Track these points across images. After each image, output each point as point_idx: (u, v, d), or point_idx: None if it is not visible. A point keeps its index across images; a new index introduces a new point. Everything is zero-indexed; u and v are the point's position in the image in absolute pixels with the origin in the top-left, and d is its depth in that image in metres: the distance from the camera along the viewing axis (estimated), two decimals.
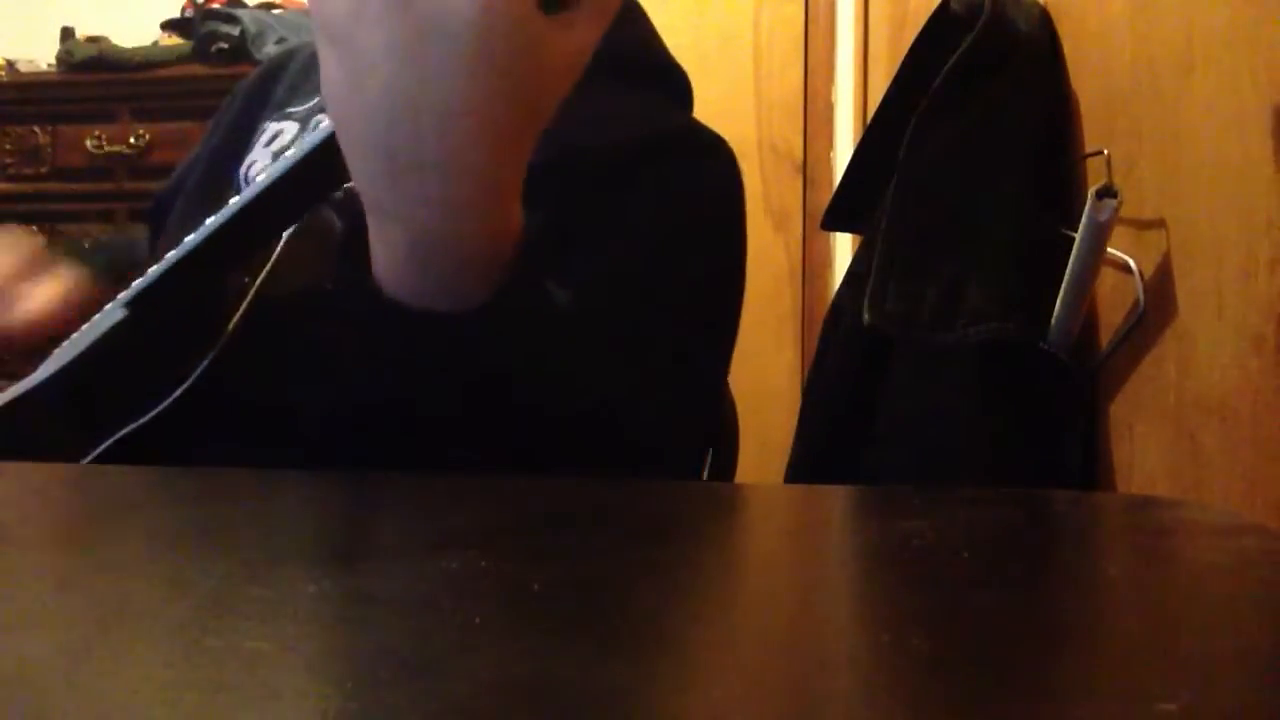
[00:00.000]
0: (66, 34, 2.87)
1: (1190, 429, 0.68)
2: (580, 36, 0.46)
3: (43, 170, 2.73)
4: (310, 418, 0.55)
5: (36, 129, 2.74)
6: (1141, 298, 0.75)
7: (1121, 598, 0.34)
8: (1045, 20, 0.94)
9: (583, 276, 0.61)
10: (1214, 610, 0.32)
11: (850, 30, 2.16)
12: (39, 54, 2.90)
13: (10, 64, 2.86)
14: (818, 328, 1.15)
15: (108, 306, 0.62)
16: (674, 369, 0.67)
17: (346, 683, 0.23)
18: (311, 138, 0.54)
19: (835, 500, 0.53)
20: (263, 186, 0.56)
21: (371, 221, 0.48)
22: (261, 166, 0.78)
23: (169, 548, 0.38)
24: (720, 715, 0.23)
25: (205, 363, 0.59)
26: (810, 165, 2.59)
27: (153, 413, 0.59)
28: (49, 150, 2.74)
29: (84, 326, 0.63)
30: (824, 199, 1.57)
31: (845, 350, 1.01)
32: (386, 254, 0.48)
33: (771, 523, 0.45)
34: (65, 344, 0.63)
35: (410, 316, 0.48)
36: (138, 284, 0.60)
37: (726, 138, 0.82)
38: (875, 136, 1.05)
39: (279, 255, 0.61)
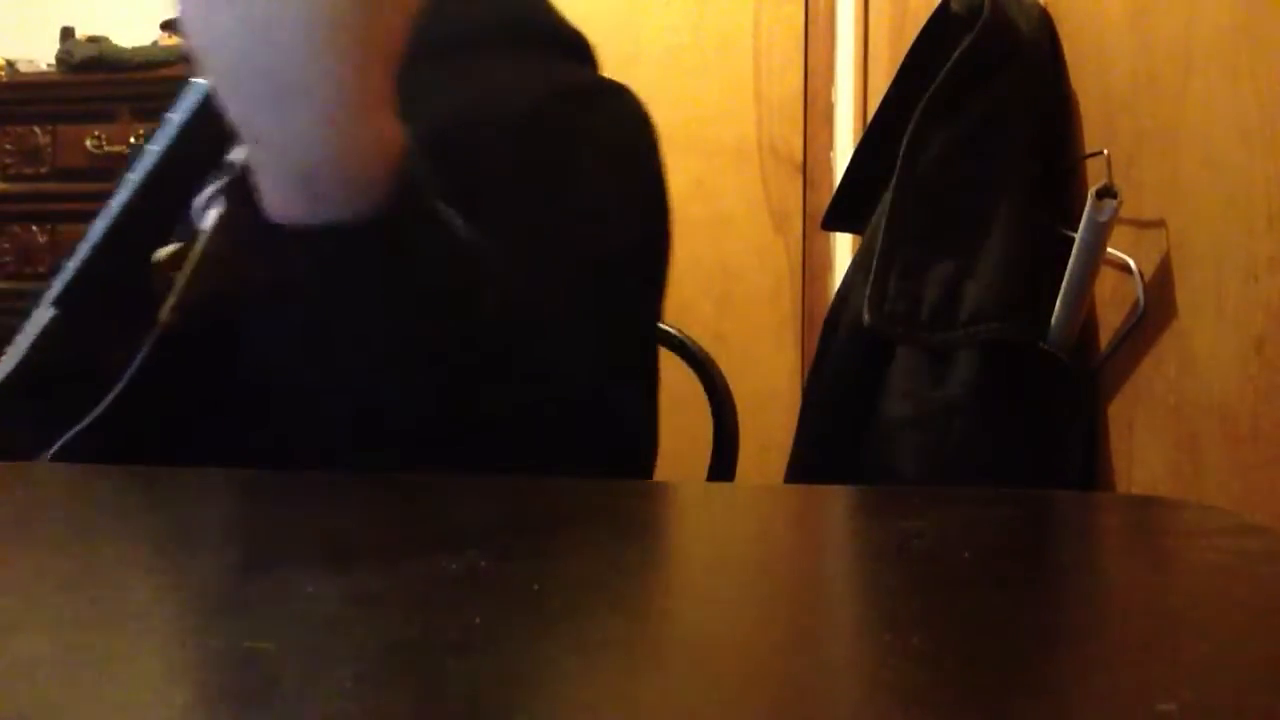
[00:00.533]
0: (66, 34, 2.87)
1: (1190, 429, 0.68)
2: None
3: (43, 170, 2.73)
4: (264, 400, 0.56)
5: (36, 129, 2.74)
6: (1141, 298, 0.75)
7: (1121, 598, 0.34)
8: (1045, 20, 0.94)
9: (497, 238, 0.62)
10: (1214, 610, 0.32)
11: (850, 30, 2.16)
12: (39, 54, 2.90)
13: (10, 64, 2.86)
14: (818, 328, 1.15)
15: (37, 310, 0.62)
16: (594, 314, 0.68)
17: (346, 683, 0.23)
18: (191, 96, 0.55)
19: (835, 500, 0.53)
20: (156, 157, 0.56)
21: (249, 150, 0.48)
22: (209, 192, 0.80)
23: (169, 548, 0.38)
24: (720, 715, 0.23)
25: (140, 358, 0.58)
26: (810, 165, 2.59)
27: (92, 416, 0.58)
28: (49, 150, 2.73)
29: (19, 334, 0.63)
30: (824, 199, 1.57)
31: (845, 350, 1.01)
32: (269, 183, 0.48)
33: (772, 523, 0.45)
34: (6, 354, 0.63)
35: (303, 237, 0.48)
36: (59, 280, 0.60)
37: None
38: (875, 136, 1.05)
39: (207, 242, 0.61)
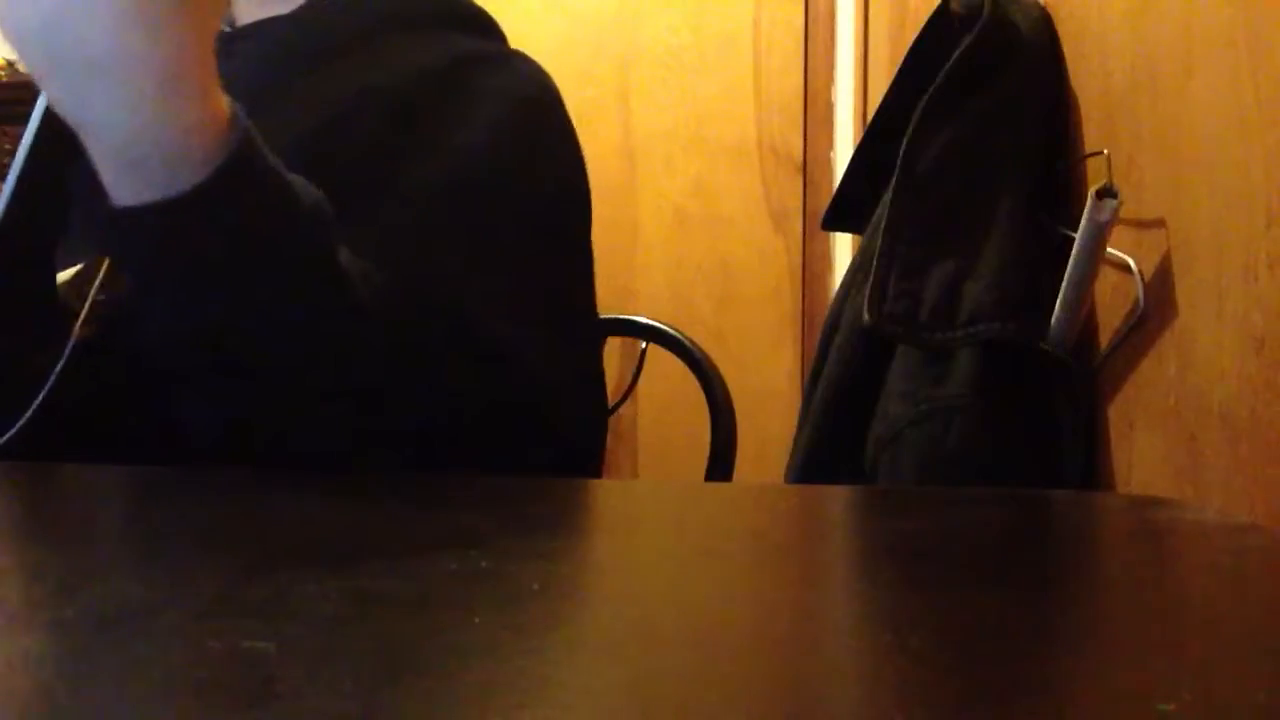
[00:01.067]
0: None
1: (1190, 429, 0.68)
2: None
3: None
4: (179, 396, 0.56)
5: None
6: (1141, 298, 0.75)
7: (1121, 598, 0.34)
8: (1045, 20, 0.94)
9: (397, 199, 0.63)
10: (1214, 610, 0.32)
11: (850, 30, 2.16)
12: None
13: (10, 64, 2.86)
14: (818, 328, 1.15)
15: None
16: (515, 275, 0.67)
17: (346, 683, 0.23)
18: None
19: (835, 500, 0.53)
20: (27, 145, 0.57)
21: (81, 137, 0.48)
22: None
23: (169, 548, 0.38)
24: (720, 714, 0.23)
25: (59, 367, 0.58)
26: (810, 165, 2.59)
27: (16, 425, 0.58)
28: None
29: None
30: (824, 199, 1.57)
31: (845, 350, 1.01)
32: (101, 166, 0.48)
33: (771, 522, 0.45)
34: None
35: (126, 214, 0.48)
36: None
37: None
38: (875, 136, 1.05)
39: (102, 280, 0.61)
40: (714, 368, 1.14)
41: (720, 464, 1.11)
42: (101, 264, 0.60)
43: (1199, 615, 0.31)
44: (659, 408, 2.38)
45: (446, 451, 0.58)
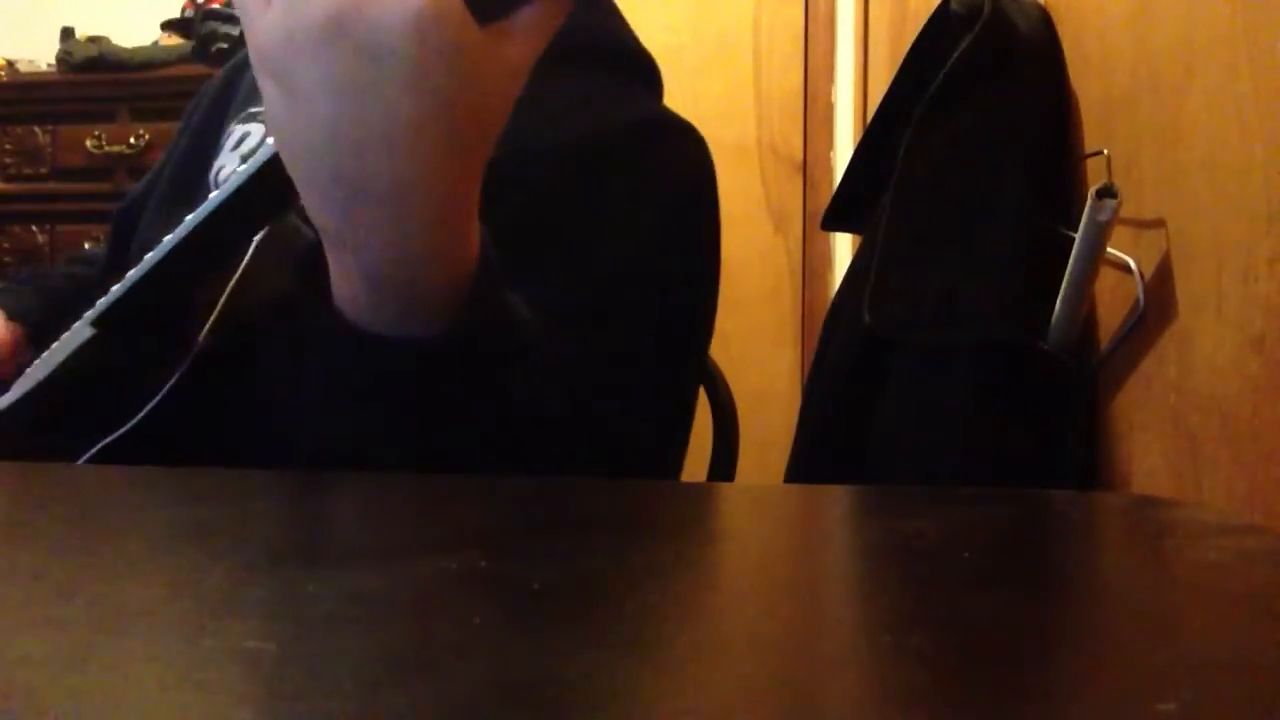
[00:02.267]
0: (66, 34, 2.87)
1: (1190, 429, 0.68)
2: (520, 47, 0.45)
3: (43, 170, 2.73)
4: (286, 431, 0.55)
5: (36, 129, 2.74)
6: (1141, 298, 0.75)
7: (1121, 597, 0.34)
8: (1045, 20, 0.94)
9: (552, 279, 0.60)
10: (1214, 610, 0.32)
11: (850, 30, 2.16)
12: (39, 54, 2.90)
13: (10, 64, 2.86)
14: (818, 328, 1.15)
15: (75, 325, 0.62)
16: (650, 372, 0.66)
17: (346, 683, 0.23)
18: (262, 152, 0.54)
19: (835, 500, 0.53)
20: (217, 202, 0.55)
21: (328, 249, 0.47)
22: (230, 170, 0.77)
23: (169, 548, 0.38)
24: (720, 715, 0.23)
25: (176, 377, 0.58)
26: (810, 165, 2.59)
27: (124, 428, 0.58)
28: (49, 150, 2.73)
29: (54, 345, 0.63)
30: (824, 199, 1.57)
31: (845, 350, 1.01)
32: (344, 281, 0.47)
33: (772, 523, 0.45)
34: (36, 363, 0.63)
35: (371, 343, 0.47)
36: (103, 302, 0.60)
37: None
38: (875, 136, 1.05)
39: (247, 265, 0.60)
40: (714, 367, 1.14)
41: (722, 464, 1.11)
42: (232, 280, 0.60)
43: (1199, 615, 0.31)
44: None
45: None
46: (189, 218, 0.56)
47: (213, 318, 0.59)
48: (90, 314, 0.61)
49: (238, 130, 0.82)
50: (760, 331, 2.58)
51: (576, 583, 0.32)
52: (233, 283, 0.59)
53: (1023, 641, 0.28)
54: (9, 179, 2.74)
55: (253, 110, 0.83)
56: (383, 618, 0.28)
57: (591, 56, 0.75)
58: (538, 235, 0.63)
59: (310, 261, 0.49)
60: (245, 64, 0.90)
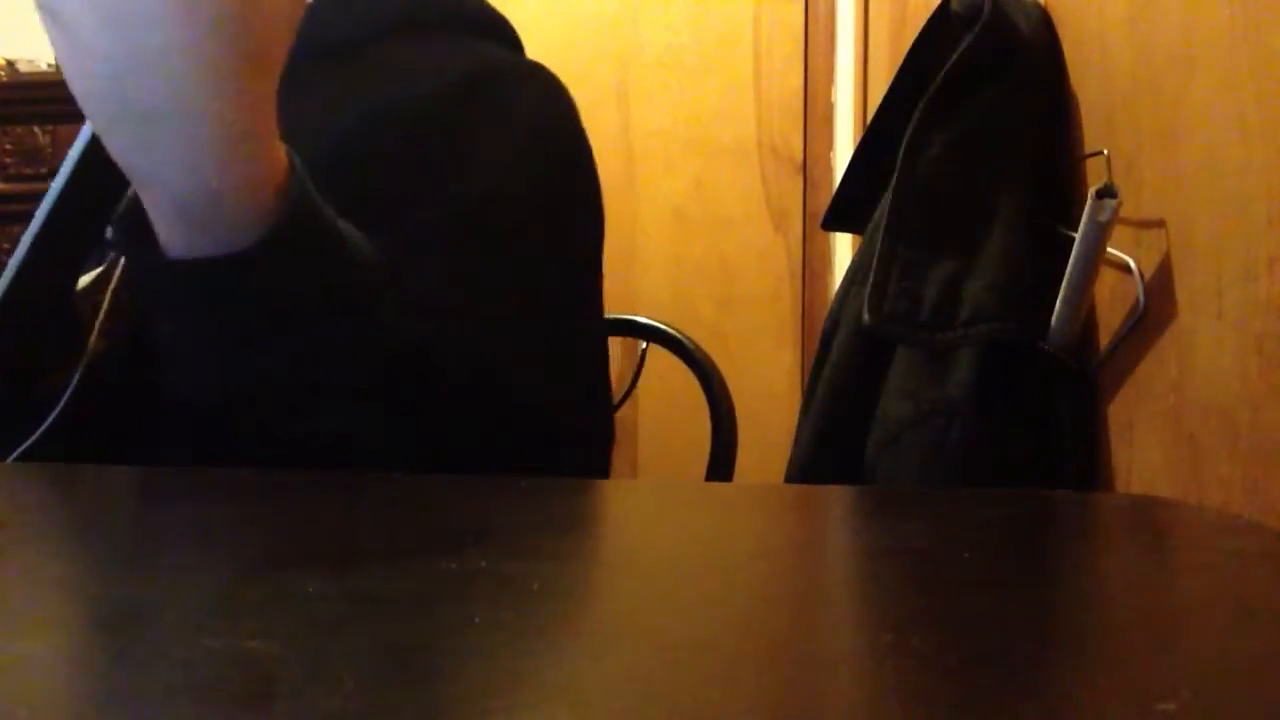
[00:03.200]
0: None
1: (1190, 429, 0.68)
2: None
3: (43, 170, 2.72)
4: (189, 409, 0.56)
5: (36, 129, 2.74)
6: (1141, 298, 0.75)
7: (1121, 598, 0.34)
8: (1045, 20, 0.94)
9: (425, 211, 0.62)
10: (1214, 610, 0.32)
11: (850, 30, 2.16)
12: (39, 54, 2.90)
13: (10, 64, 2.86)
14: (818, 328, 1.15)
15: None
16: (533, 306, 0.67)
17: (346, 683, 0.23)
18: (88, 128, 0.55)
19: (835, 500, 0.53)
20: (62, 182, 0.57)
21: (139, 191, 0.48)
22: None
23: (169, 548, 0.38)
24: (720, 714, 0.23)
25: (74, 381, 0.58)
26: (810, 165, 2.59)
27: (33, 439, 0.58)
28: (49, 150, 2.73)
29: None
30: (824, 199, 1.57)
31: (845, 350, 1.01)
32: (155, 217, 0.48)
33: (771, 523, 0.45)
34: None
35: (193, 267, 0.48)
36: None
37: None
38: (875, 136, 1.05)
39: (119, 278, 0.61)
40: (714, 367, 1.14)
41: (720, 464, 1.11)
42: (115, 270, 0.60)
43: (1199, 615, 0.31)
44: (659, 408, 2.38)
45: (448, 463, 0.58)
46: (42, 204, 0.58)
47: (99, 323, 0.59)
48: None
49: None
50: (760, 331, 2.58)
51: (577, 583, 0.32)
52: (113, 283, 0.60)
53: (1023, 641, 0.28)
54: (9, 179, 2.74)
55: None
56: (383, 618, 0.28)
57: (450, 21, 0.78)
58: (408, 173, 0.65)
59: (130, 213, 0.50)
60: None
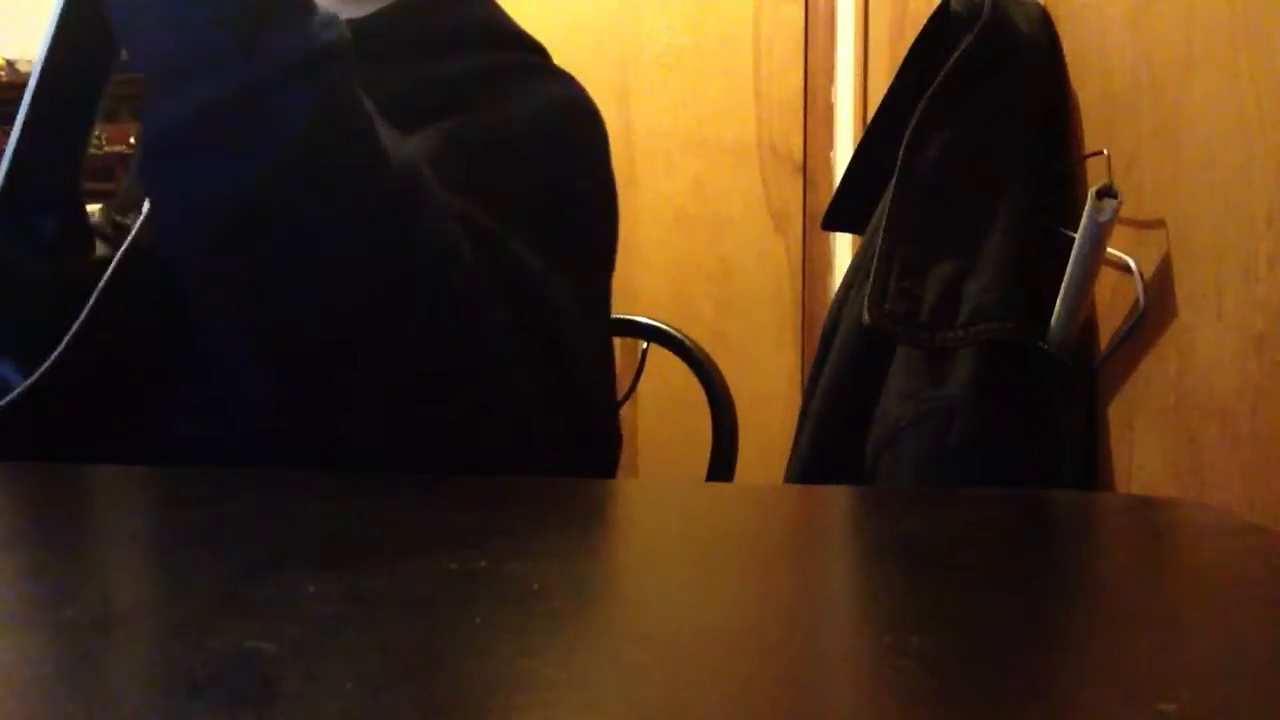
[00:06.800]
0: None
1: (1190, 429, 0.68)
2: None
3: None
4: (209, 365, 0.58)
5: None
6: (1141, 298, 0.75)
7: (1121, 597, 0.34)
8: (1045, 20, 0.94)
9: (463, 185, 0.64)
10: (1214, 610, 0.32)
11: (850, 30, 2.16)
12: (39, 54, 2.90)
13: (10, 64, 2.86)
14: (818, 328, 1.15)
15: None
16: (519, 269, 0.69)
17: (346, 683, 0.23)
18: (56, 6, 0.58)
19: (835, 500, 0.53)
20: (34, 83, 0.59)
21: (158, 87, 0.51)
22: None
23: (169, 548, 0.38)
24: (721, 714, 0.23)
25: (94, 298, 0.59)
26: (810, 165, 2.59)
27: (30, 380, 0.58)
28: None
29: None
30: (824, 199, 1.56)
31: (845, 350, 1.01)
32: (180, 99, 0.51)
33: (771, 523, 0.45)
34: None
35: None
36: None
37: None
38: (875, 136, 1.05)
39: (136, 233, 0.63)
40: (714, 367, 1.14)
41: (721, 464, 1.11)
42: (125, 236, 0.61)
43: (1199, 615, 0.31)
44: (659, 408, 2.38)
45: (473, 403, 0.58)
46: (29, 83, 0.60)
47: (108, 274, 0.60)
48: None
49: None
50: (760, 332, 2.58)
51: (577, 583, 0.32)
52: (124, 246, 0.62)
53: (1023, 641, 0.28)
54: None
55: None
56: (383, 618, 0.28)
57: (489, 40, 0.82)
58: (450, 151, 0.67)
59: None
60: None
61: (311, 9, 0.54)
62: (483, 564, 0.33)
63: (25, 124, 0.59)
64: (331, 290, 0.53)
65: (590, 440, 0.68)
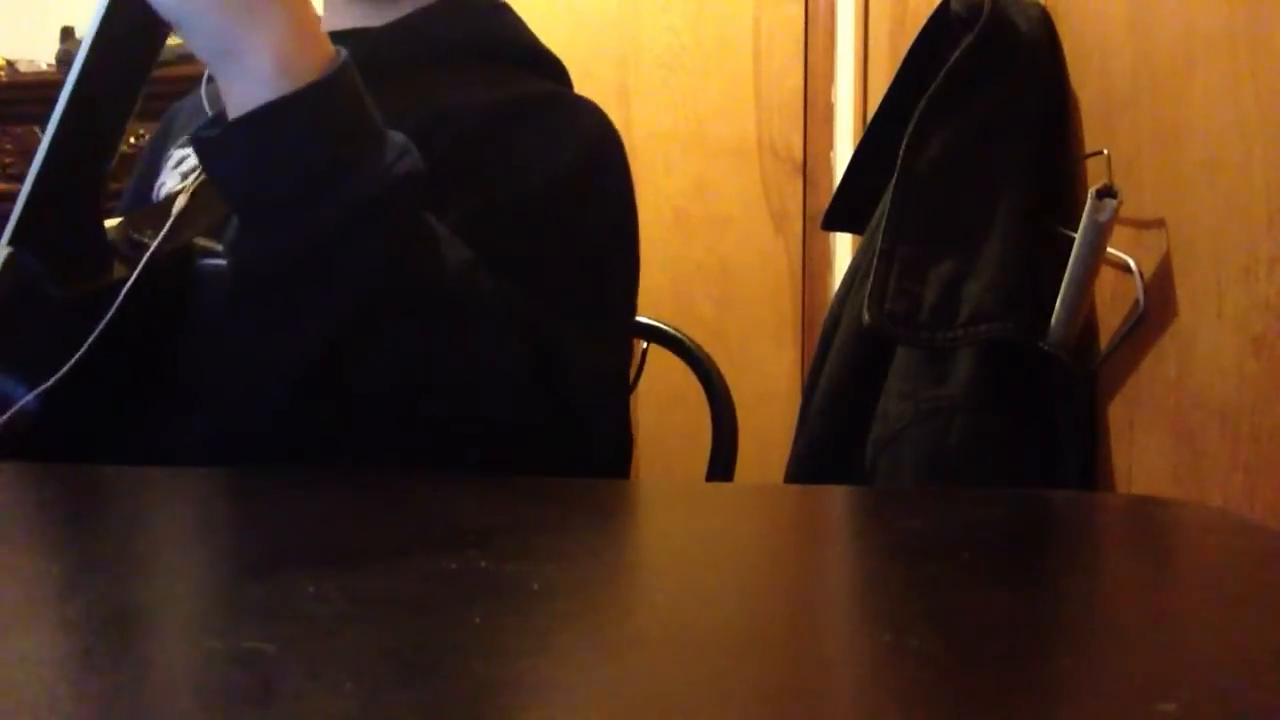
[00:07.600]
0: (66, 34, 2.87)
1: (1190, 429, 0.68)
2: None
3: None
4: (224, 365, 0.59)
5: (37, 129, 2.73)
6: (1141, 298, 0.75)
7: (1121, 598, 0.34)
8: (1045, 20, 0.94)
9: (469, 214, 0.66)
10: (1214, 610, 0.32)
11: (850, 30, 2.16)
12: (39, 54, 2.90)
13: (10, 64, 2.86)
14: (818, 328, 1.15)
15: None
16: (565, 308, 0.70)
17: (346, 683, 0.23)
18: (97, 12, 0.59)
19: (835, 500, 0.53)
20: (74, 77, 0.59)
21: (224, 74, 0.55)
22: (170, 187, 0.83)
23: (169, 548, 0.38)
24: (721, 714, 0.23)
25: (108, 318, 0.59)
26: (810, 165, 2.59)
27: (65, 368, 0.58)
28: None
29: None
30: (824, 199, 1.57)
31: (845, 350, 1.01)
32: (247, 83, 0.54)
33: (771, 523, 0.45)
34: None
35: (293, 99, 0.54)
36: (13, 218, 0.61)
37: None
38: (875, 136, 1.05)
39: (177, 216, 0.64)
40: (714, 367, 1.14)
41: (721, 464, 1.11)
42: (165, 220, 0.62)
43: (1199, 615, 0.31)
44: (659, 408, 2.38)
45: (476, 449, 0.59)
46: (57, 107, 0.60)
47: (144, 260, 0.60)
48: (5, 233, 0.61)
49: (176, 154, 0.88)
50: (760, 331, 2.58)
51: (577, 583, 0.32)
52: (164, 230, 0.62)
53: (1022, 641, 0.28)
54: (9, 179, 2.74)
55: (187, 137, 0.87)
56: (383, 618, 0.28)
57: (498, 53, 0.84)
58: (456, 176, 0.69)
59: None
60: (187, 94, 0.96)
61: (384, 138, 0.57)
62: (483, 564, 0.33)
63: (50, 150, 0.60)
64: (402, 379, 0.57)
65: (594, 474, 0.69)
